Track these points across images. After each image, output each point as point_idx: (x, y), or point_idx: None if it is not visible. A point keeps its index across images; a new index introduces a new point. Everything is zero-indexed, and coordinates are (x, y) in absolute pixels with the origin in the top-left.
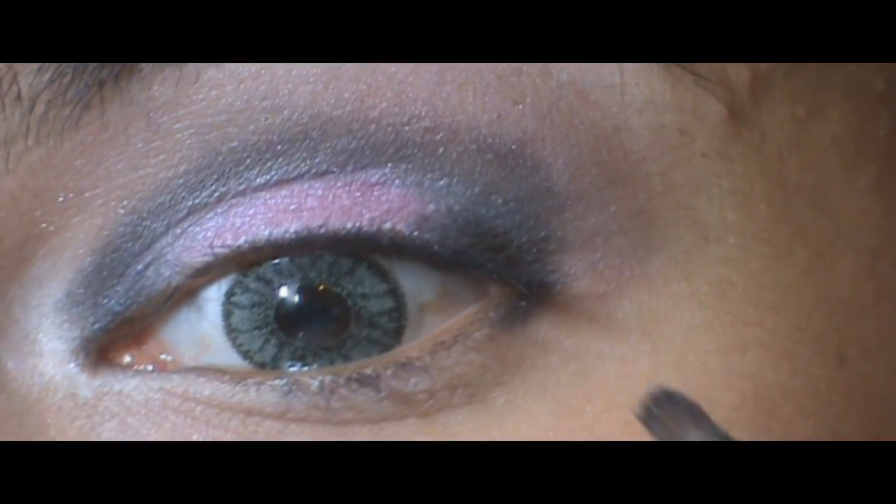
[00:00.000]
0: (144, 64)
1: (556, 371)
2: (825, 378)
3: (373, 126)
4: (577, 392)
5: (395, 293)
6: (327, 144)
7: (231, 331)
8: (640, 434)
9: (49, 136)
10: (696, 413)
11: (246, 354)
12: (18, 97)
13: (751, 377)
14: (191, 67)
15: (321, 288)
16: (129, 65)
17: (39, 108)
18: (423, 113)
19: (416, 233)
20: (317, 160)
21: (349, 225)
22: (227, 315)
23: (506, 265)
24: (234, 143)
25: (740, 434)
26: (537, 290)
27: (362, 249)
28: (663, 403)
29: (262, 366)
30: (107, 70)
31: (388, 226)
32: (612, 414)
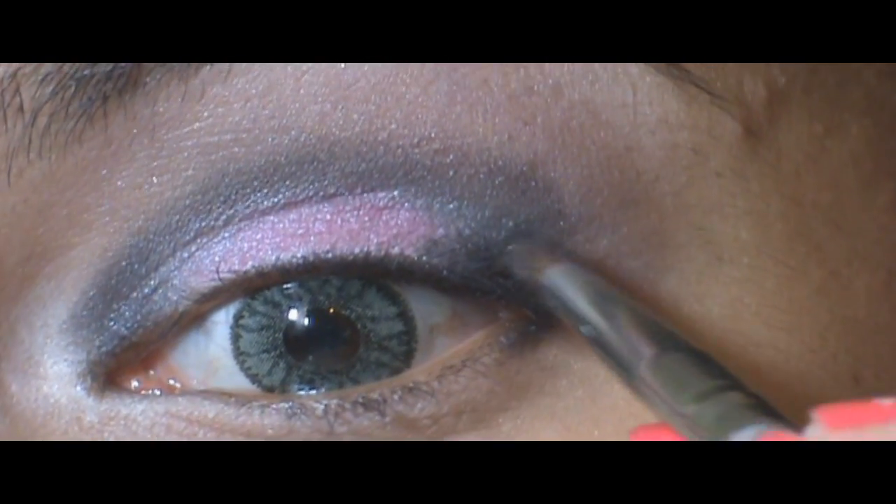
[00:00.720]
0: (149, 78)
1: (565, 396)
2: (839, 399)
3: (381, 148)
4: (586, 417)
5: (404, 316)
6: (335, 167)
7: (239, 354)
8: None
9: (51, 149)
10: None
11: (254, 378)
12: (21, 109)
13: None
14: (196, 83)
15: (330, 311)
16: (133, 78)
17: (42, 121)
18: (433, 135)
19: (424, 257)
20: (325, 182)
21: (357, 250)
22: (235, 338)
23: (515, 291)
24: (241, 165)
25: None
26: (547, 314)
27: (370, 274)
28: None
29: (270, 389)
30: (111, 84)
31: (396, 250)
32: (621, 438)
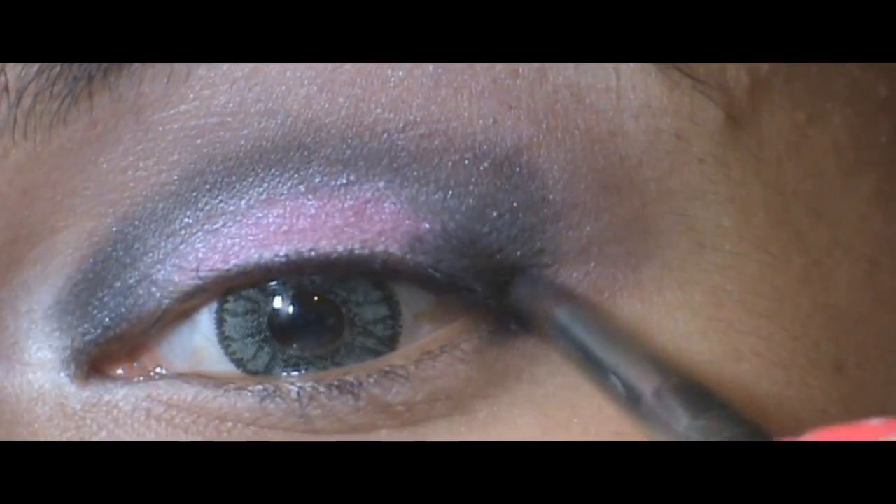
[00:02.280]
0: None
1: (544, 383)
2: (821, 388)
3: (367, 133)
4: (564, 404)
5: (389, 301)
6: (321, 153)
7: (224, 339)
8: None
9: (36, 130)
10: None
11: (239, 363)
12: (5, 89)
13: (745, 387)
14: (181, 65)
15: (315, 297)
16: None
17: (26, 101)
18: (419, 119)
19: (409, 255)
20: (310, 170)
21: (340, 248)
22: (220, 323)
23: (499, 290)
24: (228, 149)
25: None
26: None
27: (354, 273)
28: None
29: (255, 374)
30: (95, 64)
31: (380, 248)
32: (601, 427)
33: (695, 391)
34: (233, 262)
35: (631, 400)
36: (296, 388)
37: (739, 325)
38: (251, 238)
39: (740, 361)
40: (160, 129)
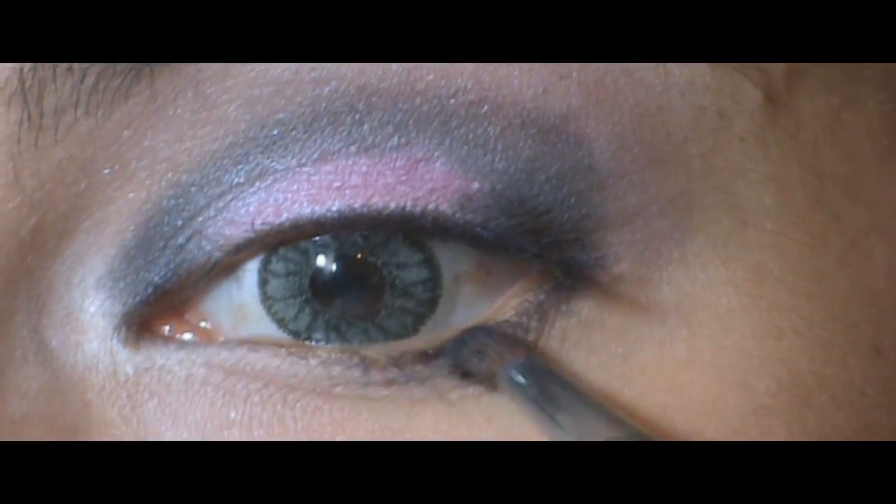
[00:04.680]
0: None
1: (598, 351)
2: (859, 368)
3: (418, 98)
4: (617, 374)
5: (430, 263)
6: (373, 117)
7: (266, 298)
8: (675, 419)
9: (98, 106)
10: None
11: (280, 322)
12: (70, 68)
13: (786, 364)
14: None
15: (357, 257)
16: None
17: (90, 79)
18: (469, 86)
19: (458, 214)
20: (362, 133)
21: (392, 205)
22: (262, 283)
23: (547, 248)
24: (281, 115)
25: (773, 422)
26: (578, 269)
27: (405, 230)
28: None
29: (296, 334)
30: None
31: (431, 206)
32: (650, 398)
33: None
34: (284, 215)
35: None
36: (357, 358)
37: (781, 303)
38: (303, 193)
39: (781, 339)
40: (217, 99)
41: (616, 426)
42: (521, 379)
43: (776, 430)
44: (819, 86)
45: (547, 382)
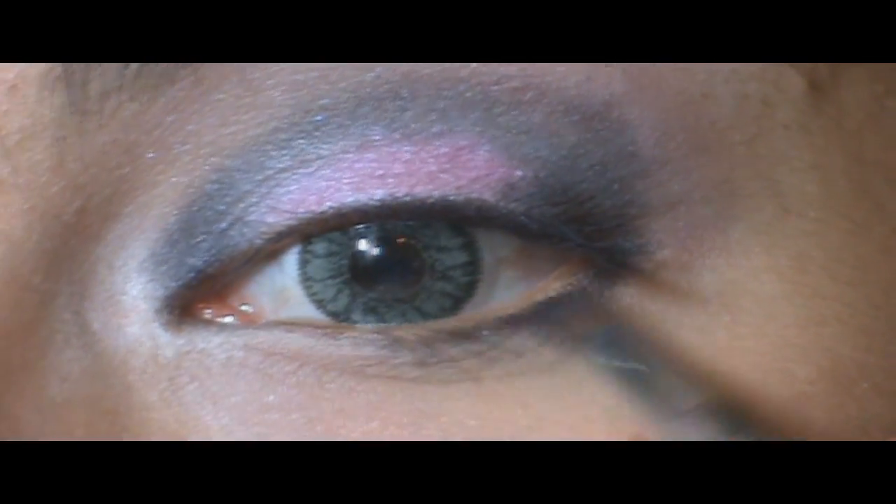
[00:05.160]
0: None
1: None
2: None
3: (462, 85)
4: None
5: (470, 247)
6: (417, 103)
7: (306, 279)
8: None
9: (143, 91)
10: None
11: (319, 304)
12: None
13: (828, 352)
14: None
15: (397, 240)
16: None
17: (135, 64)
18: (513, 73)
19: (501, 202)
20: (405, 118)
21: (436, 193)
22: (303, 263)
23: (590, 238)
24: (325, 101)
25: (815, 410)
26: (621, 256)
27: (448, 219)
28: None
29: (335, 316)
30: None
31: (474, 195)
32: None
33: (733, 409)
34: (327, 203)
35: (668, 415)
36: (412, 336)
37: (823, 290)
38: (346, 181)
39: (824, 326)
40: (262, 84)
41: (702, 388)
42: (609, 341)
43: (817, 418)
44: (862, 73)
45: (632, 346)
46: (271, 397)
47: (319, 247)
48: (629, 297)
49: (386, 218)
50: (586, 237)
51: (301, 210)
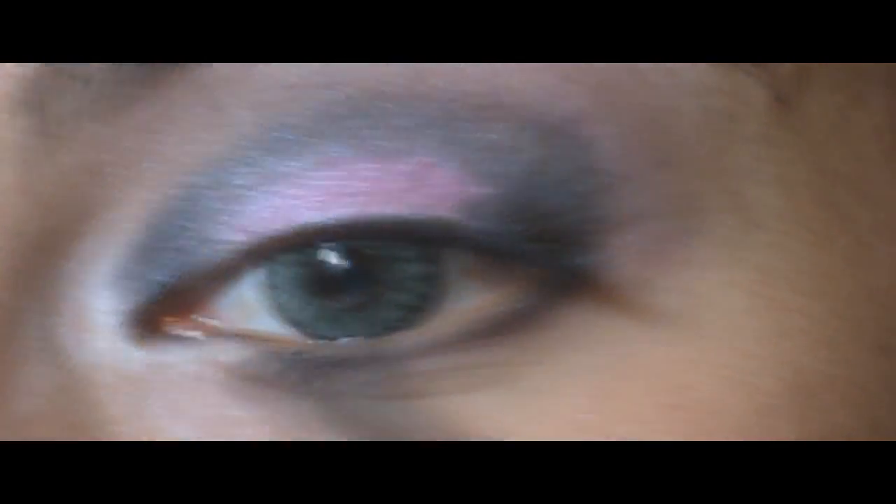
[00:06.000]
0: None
1: (598, 353)
2: (865, 367)
3: (425, 102)
4: (619, 375)
5: (433, 258)
6: (380, 120)
7: (271, 290)
8: (683, 419)
9: (106, 112)
10: None
11: (285, 315)
12: (75, 76)
13: (791, 364)
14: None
15: (362, 251)
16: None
17: (95, 85)
18: (476, 90)
19: (464, 220)
20: (368, 136)
21: (399, 213)
22: (268, 275)
23: (553, 254)
24: (289, 119)
25: (778, 422)
26: (581, 270)
27: (410, 239)
28: None
29: (301, 326)
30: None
31: (437, 213)
32: (655, 398)
33: None
34: (290, 223)
35: None
36: (363, 354)
37: (787, 303)
38: (309, 199)
39: (787, 339)
40: (226, 102)
41: None
42: None
43: (781, 430)
44: (826, 84)
45: None
46: (237, 412)
47: (284, 258)
48: (586, 313)
49: (348, 237)
50: (547, 254)
51: (264, 228)
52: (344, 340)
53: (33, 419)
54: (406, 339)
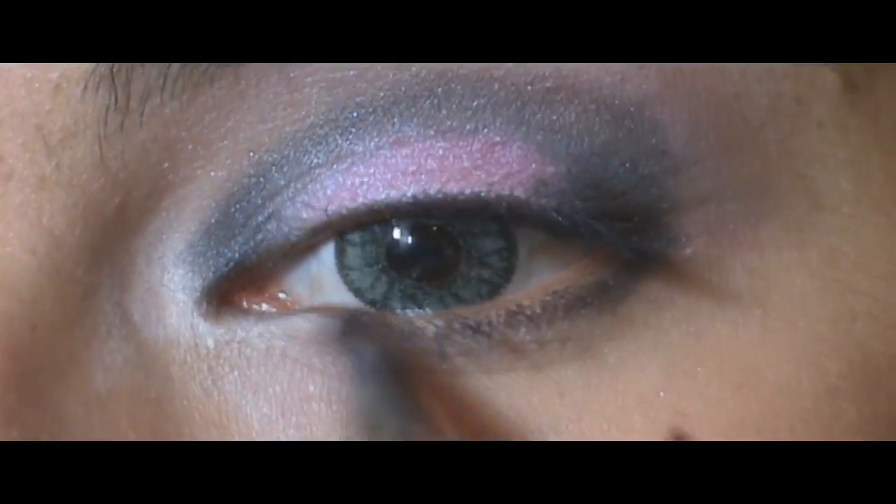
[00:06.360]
0: None
1: (669, 331)
2: None
3: (496, 84)
4: (689, 353)
5: (505, 233)
6: (451, 102)
7: (343, 268)
8: (752, 398)
9: (184, 90)
10: None
11: (357, 292)
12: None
13: (859, 346)
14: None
15: (433, 227)
16: None
17: (176, 64)
18: (547, 73)
19: (533, 198)
20: (440, 116)
21: (467, 190)
22: (339, 252)
23: (621, 233)
24: (362, 98)
25: (845, 403)
26: (650, 250)
27: (479, 216)
28: None
29: (373, 303)
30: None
31: (506, 191)
32: (723, 377)
33: None
34: (360, 200)
35: None
36: (432, 327)
37: (855, 286)
38: (379, 178)
39: (855, 321)
40: (300, 81)
41: None
42: None
43: (847, 412)
44: None
45: None
46: (311, 388)
47: (355, 236)
48: (657, 291)
49: (418, 215)
50: (617, 232)
51: (335, 206)
52: (416, 311)
53: (110, 395)
54: (480, 312)
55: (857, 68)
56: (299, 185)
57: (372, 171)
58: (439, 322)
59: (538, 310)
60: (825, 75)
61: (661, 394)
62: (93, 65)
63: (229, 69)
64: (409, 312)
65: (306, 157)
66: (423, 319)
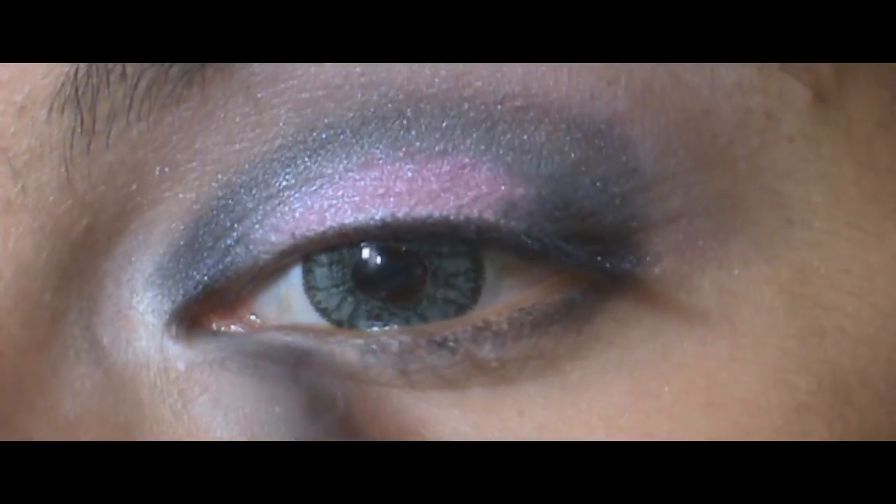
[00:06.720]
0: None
1: (635, 349)
2: None
3: (466, 104)
4: (656, 372)
5: (472, 254)
6: (420, 122)
7: (310, 288)
8: (720, 416)
9: (150, 112)
10: None
11: (324, 312)
12: (123, 74)
13: (829, 363)
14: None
15: (399, 248)
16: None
17: (142, 85)
18: (516, 92)
19: (502, 221)
20: (409, 137)
21: (436, 214)
22: (306, 273)
23: (590, 253)
24: (330, 119)
25: (815, 420)
26: (619, 269)
27: (448, 240)
28: None
29: (339, 324)
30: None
31: (475, 214)
32: (691, 396)
33: None
34: (328, 223)
35: None
36: (396, 343)
37: (825, 301)
38: (348, 200)
39: (824, 337)
40: (268, 102)
41: None
42: None
43: (817, 428)
44: (869, 80)
45: None
46: (277, 409)
47: (323, 256)
48: (624, 310)
49: (386, 238)
50: (586, 253)
51: (302, 230)
52: (382, 328)
53: (79, 420)
54: (447, 327)
55: (828, 81)
56: (268, 208)
57: (340, 193)
58: (404, 338)
59: (504, 326)
60: (795, 89)
61: (626, 414)
62: (58, 86)
63: (195, 90)
64: (376, 329)
65: (275, 179)
66: (386, 335)
